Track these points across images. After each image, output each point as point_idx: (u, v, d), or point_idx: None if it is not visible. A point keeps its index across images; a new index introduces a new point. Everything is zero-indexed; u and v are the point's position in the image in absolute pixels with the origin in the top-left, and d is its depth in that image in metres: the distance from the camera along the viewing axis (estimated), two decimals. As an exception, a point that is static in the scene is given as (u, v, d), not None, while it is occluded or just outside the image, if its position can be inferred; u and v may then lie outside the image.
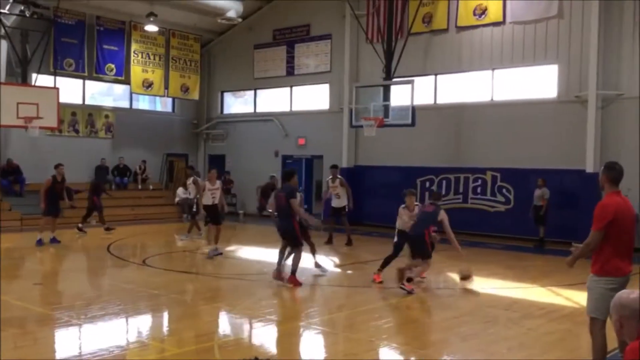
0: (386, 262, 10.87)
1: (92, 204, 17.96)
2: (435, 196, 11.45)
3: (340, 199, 15.89)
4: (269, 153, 23.60)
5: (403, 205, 10.93)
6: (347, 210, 15.99)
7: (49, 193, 15.04)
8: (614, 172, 5.62)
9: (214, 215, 13.96)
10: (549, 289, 10.65)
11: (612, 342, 5.46)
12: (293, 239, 10.45)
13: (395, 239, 10.88)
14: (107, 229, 17.52)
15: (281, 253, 10.77)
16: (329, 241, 15.78)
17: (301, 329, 8.04)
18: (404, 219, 10.79)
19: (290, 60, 23.12)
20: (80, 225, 17.70)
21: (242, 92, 25.65)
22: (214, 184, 13.90)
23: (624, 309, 3.45)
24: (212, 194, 13.76)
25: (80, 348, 7.17)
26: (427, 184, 19.23)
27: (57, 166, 15.53)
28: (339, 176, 16.22)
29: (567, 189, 16.56)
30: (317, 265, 11.88)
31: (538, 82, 17.60)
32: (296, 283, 10.22)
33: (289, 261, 10.69)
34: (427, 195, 19.11)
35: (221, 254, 13.73)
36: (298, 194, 10.84)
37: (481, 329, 8.16)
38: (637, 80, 15.84)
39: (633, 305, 3.43)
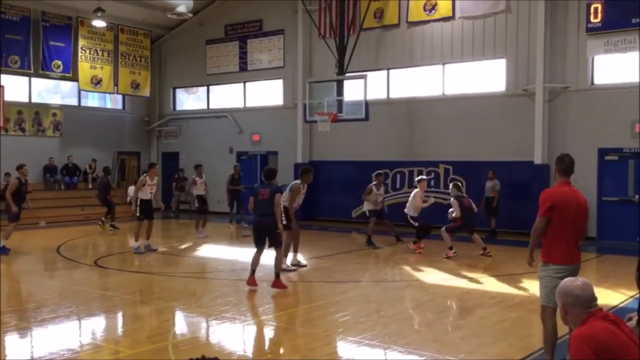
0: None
1: (109, 202, 18.33)
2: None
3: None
4: (223, 150, 23.42)
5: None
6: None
7: (15, 196, 13.89)
8: (563, 163, 5.81)
9: (149, 211, 14.01)
10: (501, 278, 10.89)
11: (563, 328, 5.61)
12: (274, 237, 9.66)
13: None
14: (113, 227, 18.03)
15: (257, 258, 9.76)
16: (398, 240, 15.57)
17: (257, 326, 8.01)
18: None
19: (243, 55, 22.97)
20: (113, 223, 18.24)
21: (194, 89, 25.36)
22: (152, 179, 13.87)
23: (567, 296, 3.55)
24: (150, 189, 13.90)
25: (31, 352, 6.99)
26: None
27: (20, 167, 14.60)
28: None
29: (517, 180, 16.95)
30: (297, 263, 11.87)
31: (487, 76, 17.94)
32: (282, 286, 9.65)
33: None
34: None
35: (156, 249, 13.96)
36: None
37: (435, 319, 8.29)
38: (583, 73, 16.32)
39: (576, 292, 3.54)
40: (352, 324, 7.81)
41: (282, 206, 10.04)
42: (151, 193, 13.99)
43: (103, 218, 18.33)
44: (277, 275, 9.68)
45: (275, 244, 9.72)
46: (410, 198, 14.15)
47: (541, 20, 16.45)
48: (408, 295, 9.83)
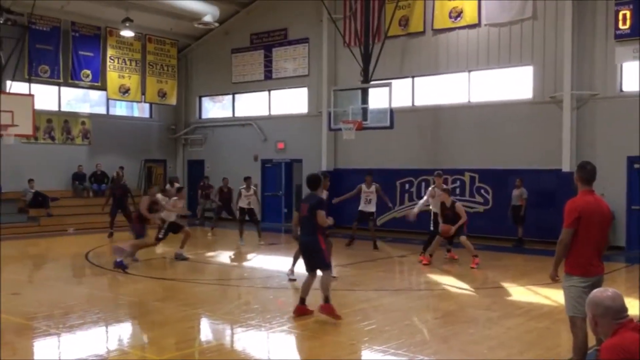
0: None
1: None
2: None
3: (370, 204, 15.72)
4: (248, 157, 23.54)
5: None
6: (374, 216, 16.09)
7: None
8: (584, 171, 5.71)
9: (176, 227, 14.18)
10: (528, 288, 10.76)
11: (592, 339, 5.52)
12: (319, 259, 8.48)
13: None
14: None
15: (307, 283, 8.64)
16: (350, 244, 15.93)
17: (283, 333, 8.02)
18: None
19: (268, 64, 23.10)
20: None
21: (220, 97, 25.56)
22: (181, 201, 14.62)
23: (597, 307, 3.50)
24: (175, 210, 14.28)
25: (59, 357, 7.09)
26: (407, 186, 19.33)
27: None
28: (375, 183, 15.96)
29: (544, 188, 16.75)
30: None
31: (513, 84, 17.79)
32: (332, 312, 8.31)
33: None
34: (406, 197, 19.27)
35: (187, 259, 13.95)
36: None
37: (461, 329, 8.21)
38: (611, 80, 16.11)
39: (606, 303, 3.49)
40: (378, 333, 7.78)
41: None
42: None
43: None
44: (326, 299, 8.37)
45: (320, 266, 8.50)
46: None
47: (568, 27, 16.29)
48: (433, 305, 9.77)
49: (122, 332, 8.28)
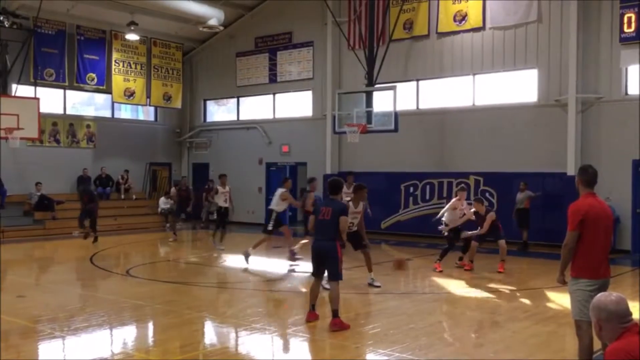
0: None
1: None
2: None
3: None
4: (252, 161, 23.57)
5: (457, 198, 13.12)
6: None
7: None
8: (586, 174, 5.72)
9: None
10: (534, 292, 10.73)
11: (598, 343, 5.50)
12: (334, 267, 8.18)
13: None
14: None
15: (316, 288, 8.53)
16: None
17: (287, 337, 8.02)
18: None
19: (272, 67, 23.14)
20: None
21: (224, 100, 25.60)
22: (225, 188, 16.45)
23: (601, 311, 3.49)
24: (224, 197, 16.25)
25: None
26: (411, 189, 19.31)
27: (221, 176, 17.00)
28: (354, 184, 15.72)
29: (549, 192, 16.71)
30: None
31: (518, 87, 17.77)
32: (343, 326, 8.00)
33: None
34: (411, 200, 19.25)
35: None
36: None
37: (466, 332, 8.19)
38: (616, 84, 16.07)
39: (610, 307, 3.47)
40: (382, 336, 7.77)
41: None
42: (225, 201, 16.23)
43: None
44: (336, 313, 8.05)
45: (334, 275, 8.16)
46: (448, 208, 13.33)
47: (573, 30, 16.26)
48: (439, 308, 9.74)
49: (127, 335, 8.29)
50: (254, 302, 9.94)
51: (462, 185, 14.52)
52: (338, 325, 7.97)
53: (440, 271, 12.62)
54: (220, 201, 16.55)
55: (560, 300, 9.67)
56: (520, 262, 14.71)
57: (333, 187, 8.59)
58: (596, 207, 5.59)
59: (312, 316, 8.43)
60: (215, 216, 16.79)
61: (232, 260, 14.94)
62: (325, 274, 8.40)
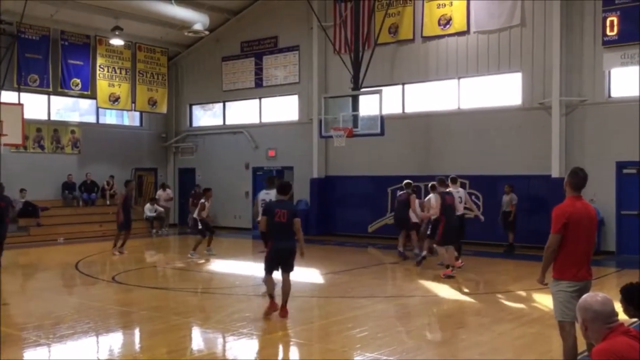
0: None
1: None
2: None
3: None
4: (239, 165, 23.52)
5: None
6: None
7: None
8: (576, 177, 5.73)
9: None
10: (519, 294, 10.79)
11: (583, 343, 5.55)
12: (293, 262, 8.89)
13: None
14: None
15: (272, 280, 9.02)
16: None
17: (274, 342, 8.00)
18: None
19: (258, 72, 23.13)
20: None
21: (210, 105, 25.54)
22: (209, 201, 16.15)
23: (586, 311, 3.52)
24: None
25: (49, 368, 7.03)
26: (398, 193, 19.31)
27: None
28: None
29: (534, 194, 16.84)
30: None
31: (503, 90, 17.90)
32: (287, 315, 8.83)
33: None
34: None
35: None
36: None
37: (453, 335, 8.22)
38: (599, 86, 16.24)
39: (595, 307, 3.51)
40: (370, 340, 7.78)
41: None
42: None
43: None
44: (285, 303, 8.85)
45: (292, 268, 8.90)
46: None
47: (557, 34, 16.42)
48: (425, 311, 9.77)
49: (113, 341, 8.23)
50: (241, 307, 9.91)
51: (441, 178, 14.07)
52: (287, 314, 8.74)
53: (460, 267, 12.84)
54: (197, 214, 16.02)
55: (546, 302, 9.73)
56: (506, 264, 14.80)
57: (282, 188, 9.11)
58: (580, 210, 5.63)
59: (274, 306, 8.88)
60: (199, 225, 16.04)
61: (219, 266, 14.89)
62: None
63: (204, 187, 17.86)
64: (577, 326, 5.22)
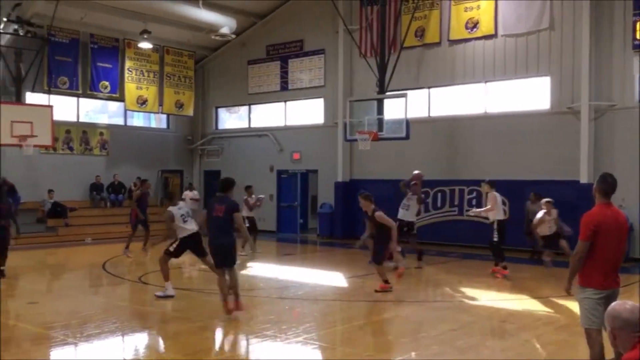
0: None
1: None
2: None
3: (409, 212, 14.77)
4: (264, 168, 23.61)
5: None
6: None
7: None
8: (605, 184, 5.63)
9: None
10: (545, 300, 10.65)
11: (610, 351, 5.46)
12: (233, 257, 9.09)
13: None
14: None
15: (224, 280, 9.09)
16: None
17: (298, 345, 8.00)
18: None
19: (284, 75, 23.21)
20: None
21: (236, 108, 25.69)
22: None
23: (615, 320, 3.46)
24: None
25: (75, 367, 7.12)
26: (422, 197, 19.20)
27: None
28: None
29: (562, 199, 16.55)
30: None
31: (531, 94, 17.70)
32: (241, 308, 9.08)
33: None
34: (422, 207, 19.13)
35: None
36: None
37: (478, 341, 8.14)
38: (629, 91, 15.98)
39: (624, 315, 3.45)
40: (394, 345, 7.75)
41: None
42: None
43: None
44: (238, 296, 9.07)
45: (234, 262, 9.11)
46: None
47: (586, 38, 16.20)
48: (450, 317, 9.68)
49: (138, 341, 8.31)
50: (264, 310, 9.94)
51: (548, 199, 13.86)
52: (241, 307, 8.91)
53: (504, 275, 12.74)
54: (246, 212, 16.57)
55: (573, 308, 9.58)
56: (531, 270, 14.61)
57: (224, 185, 9.20)
58: (609, 218, 5.53)
59: (230, 305, 8.95)
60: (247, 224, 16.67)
61: (243, 268, 14.95)
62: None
63: (245, 185, 17.79)
64: (605, 334, 5.15)
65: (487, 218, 13.25)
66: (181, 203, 11.30)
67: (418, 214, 15.13)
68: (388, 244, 10.99)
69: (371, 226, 11.65)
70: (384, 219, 11.05)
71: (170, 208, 10.68)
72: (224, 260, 9.00)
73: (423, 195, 15.29)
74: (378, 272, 11.19)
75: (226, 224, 8.82)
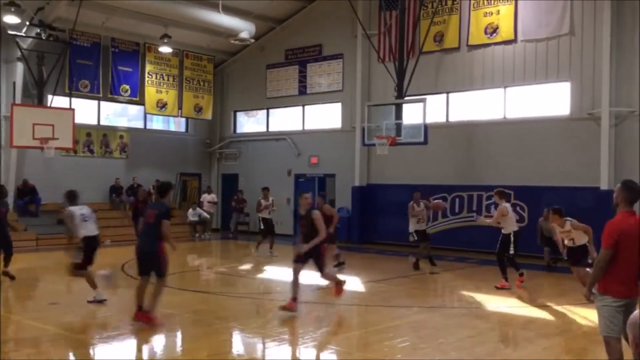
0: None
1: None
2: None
3: (423, 222, 15.19)
4: (281, 172, 23.66)
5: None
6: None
7: None
8: (631, 192, 5.56)
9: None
10: (564, 308, 10.54)
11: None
12: (157, 266, 8.52)
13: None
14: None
15: (141, 289, 8.68)
16: (417, 266, 14.86)
17: (315, 349, 8.01)
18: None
19: (302, 79, 23.27)
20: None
21: (254, 112, 25.80)
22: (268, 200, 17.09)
23: (637, 328, 3.44)
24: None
25: (94, 368, 7.18)
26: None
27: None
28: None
29: (582, 206, 16.39)
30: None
31: (550, 100, 17.58)
32: (154, 322, 8.43)
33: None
34: (439, 214, 19.09)
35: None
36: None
37: (497, 348, 8.09)
38: (651, 97, 15.80)
39: (648, 324, 3.41)
40: (411, 350, 7.71)
41: None
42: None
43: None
44: (147, 308, 8.49)
45: (161, 274, 8.58)
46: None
47: (607, 43, 16.06)
48: (468, 323, 9.62)
49: (156, 343, 8.36)
50: (282, 313, 9.94)
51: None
52: (144, 320, 8.23)
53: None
54: (264, 214, 17.19)
55: (592, 316, 9.46)
56: (549, 277, 14.50)
57: (159, 189, 8.87)
58: (633, 227, 5.47)
59: (139, 316, 8.54)
60: (261, 226, 17.27)
61: (260, 271, 14.99)
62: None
63: (262, 187, 17.99)
64: (624, 342, 5.09)
65: (502, 228, 12.71)
66: (84, 207, 10.67)
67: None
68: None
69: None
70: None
71: (71, 207, 10.20)
72: (146, 268, 8.58)
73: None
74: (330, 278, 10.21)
75: (153, 231, 8.43)
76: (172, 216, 9.02)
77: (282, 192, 23.49)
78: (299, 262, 9.65)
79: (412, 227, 14.98)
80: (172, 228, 17.57)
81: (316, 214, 9.61)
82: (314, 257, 9.58)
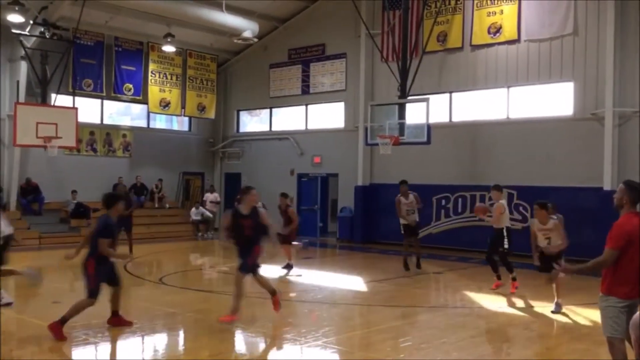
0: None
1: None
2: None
3: (414, 215, 14.65)
4: (284, 171, 23.67)
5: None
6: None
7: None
8: (635, 192, 5.57)
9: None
10: (567, 308, 10.53)
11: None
12: (85, 283, 8.18)
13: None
14: None
15: (112, 296, 8.58)
16: (407, 266, 14.51)
17: (317, 348, 8.01)
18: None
19: (305, 79, 23.28)
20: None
21: (257, 111, 25.81)
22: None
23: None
24: None
25: (97, 366, 7.20)
26: (443, 202, 19.17)
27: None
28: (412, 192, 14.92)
29: (585, 207, 16.39)
30: None
31: (554, 100, 17.55)
32: (59, 335, 7.82)
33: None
34: (442, 213, 19.11)
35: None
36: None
37: (499, 348, 8.09)
38: (654, 97, 15.77)
39: (651, 325, 3.41)
40: (414, 350, 7.71)
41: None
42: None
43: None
44: (63, 320, 7.93)
45: (85, 289, 8.15)
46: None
47: (610, 43, 16.03)
48: (470, 323, 9.62)
49: (158, 342, 8.38)
50: (284, 313, 9.95)
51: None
52: (54, 331, 7.79)
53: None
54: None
55: (595, 317, 9.47)
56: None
57: (104, 201, 8.31)
58: (637, 228, 5.47)
59: (115, 321, 8.51)
60: None
61: (264, 271, 14.97)
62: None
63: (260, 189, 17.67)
64: (632, 343, 5.09)
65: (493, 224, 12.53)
66: None
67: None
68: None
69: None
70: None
71: None
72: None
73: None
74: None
75: (90, 243, 8.09)
76: (112, 232, 8.21)
77: (284, 192, 23.49)
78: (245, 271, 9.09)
79: (402, 221, 14.59)
80: (175, 227, 17.54)
81: (262, 211, 9.29)
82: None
